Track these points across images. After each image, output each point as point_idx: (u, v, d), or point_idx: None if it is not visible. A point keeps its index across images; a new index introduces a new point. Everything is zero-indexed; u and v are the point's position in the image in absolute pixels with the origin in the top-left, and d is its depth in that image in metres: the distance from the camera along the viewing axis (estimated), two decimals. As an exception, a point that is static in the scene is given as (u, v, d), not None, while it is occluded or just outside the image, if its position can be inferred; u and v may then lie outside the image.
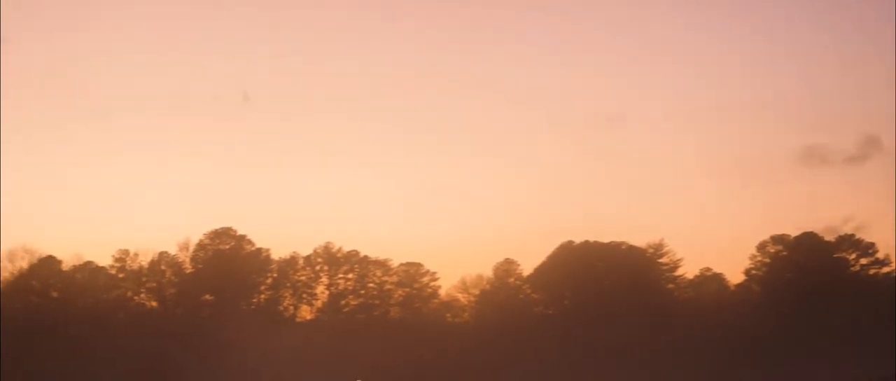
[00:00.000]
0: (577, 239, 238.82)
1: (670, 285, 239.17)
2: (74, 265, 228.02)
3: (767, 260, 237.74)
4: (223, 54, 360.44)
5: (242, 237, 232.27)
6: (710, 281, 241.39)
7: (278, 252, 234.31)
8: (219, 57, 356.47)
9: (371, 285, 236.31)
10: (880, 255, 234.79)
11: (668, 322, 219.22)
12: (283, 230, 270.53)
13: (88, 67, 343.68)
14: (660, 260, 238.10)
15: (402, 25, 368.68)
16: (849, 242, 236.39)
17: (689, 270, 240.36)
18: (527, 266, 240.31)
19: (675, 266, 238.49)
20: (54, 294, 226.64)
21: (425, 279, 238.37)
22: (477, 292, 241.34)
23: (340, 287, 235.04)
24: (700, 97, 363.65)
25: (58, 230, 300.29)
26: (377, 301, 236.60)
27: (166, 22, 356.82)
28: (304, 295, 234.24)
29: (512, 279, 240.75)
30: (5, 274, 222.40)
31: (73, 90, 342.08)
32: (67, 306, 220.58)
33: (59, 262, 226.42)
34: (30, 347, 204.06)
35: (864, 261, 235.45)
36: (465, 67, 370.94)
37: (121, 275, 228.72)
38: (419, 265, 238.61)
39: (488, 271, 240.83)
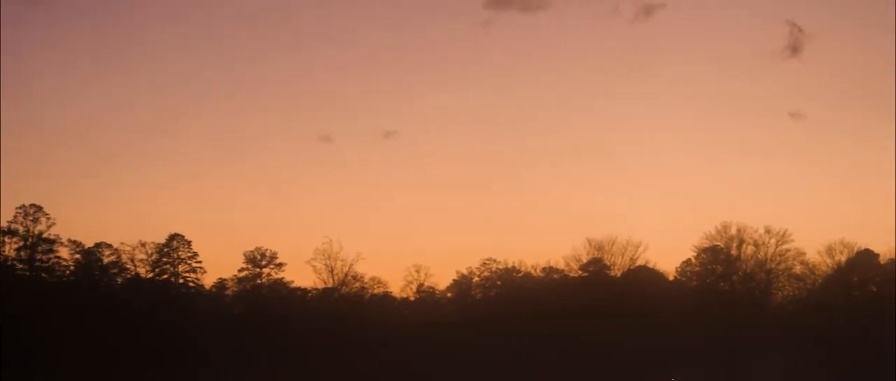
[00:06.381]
0: None
1: None
2: (890, 259, 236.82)
3: None
4: None
5: None
6: None
7: None
8: None
9: None
10: None
11: None
12: None
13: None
14: None
15: None
16: None
17: None
18: None
19: None
20: (872, 288, 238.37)
21: None
22: None
23: None
24: None
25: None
26: None
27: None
28: None
29: None
30: (824, 267, 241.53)
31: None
32: (885, 300, 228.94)
33: (876, 255, 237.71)
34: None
35: None
36: None
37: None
38: None
39: None
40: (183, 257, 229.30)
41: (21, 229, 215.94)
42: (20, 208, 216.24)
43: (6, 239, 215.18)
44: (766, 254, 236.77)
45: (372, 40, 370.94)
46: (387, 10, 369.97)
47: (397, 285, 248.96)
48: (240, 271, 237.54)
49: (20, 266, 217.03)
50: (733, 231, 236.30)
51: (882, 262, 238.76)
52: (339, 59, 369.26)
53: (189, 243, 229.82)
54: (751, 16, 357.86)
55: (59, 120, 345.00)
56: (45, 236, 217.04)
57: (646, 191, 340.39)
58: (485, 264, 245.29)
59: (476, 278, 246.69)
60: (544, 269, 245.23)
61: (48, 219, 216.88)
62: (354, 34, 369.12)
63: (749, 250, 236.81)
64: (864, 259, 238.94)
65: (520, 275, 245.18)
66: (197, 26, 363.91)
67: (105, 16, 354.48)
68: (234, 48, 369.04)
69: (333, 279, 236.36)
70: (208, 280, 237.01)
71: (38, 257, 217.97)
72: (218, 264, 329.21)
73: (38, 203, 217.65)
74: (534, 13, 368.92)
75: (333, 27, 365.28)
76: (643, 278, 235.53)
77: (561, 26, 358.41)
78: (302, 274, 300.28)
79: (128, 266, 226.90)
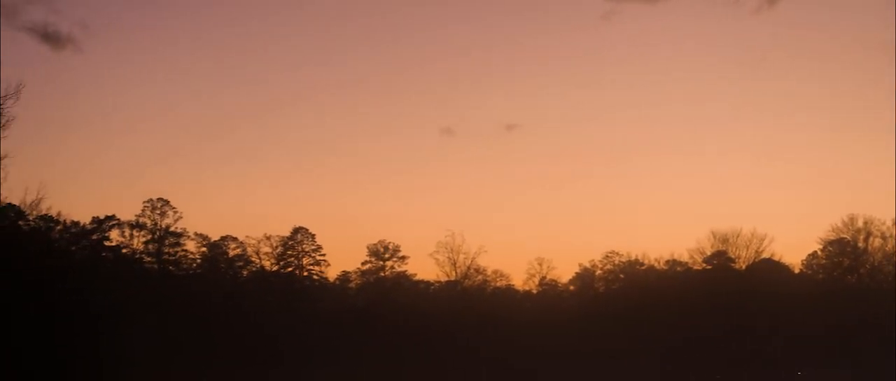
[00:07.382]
0: None
1: None
2: None
3: None
4: None
5: None
6: None
7: None
8: None
9: None
10: None
11: None
12: None
13: None
14: None
15: None
16: None
17: None
18: None
19: None
20: None
21: None
22: None
23: None
24: None
25: None
26: None
27: None
28: None
29: None
30: None
31: None
32: None
33: None
34: None
35: None
36: None
37: None
38: None
39: None
40: (307, 250, 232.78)
41: (149, 223, 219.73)
42: (148, 201, 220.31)
43: (134, 233, 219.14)
44: (893, 246, 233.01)
45: (493, 34, 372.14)
46: (507, 3, 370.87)
47: (520, 277, 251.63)
48: (363, 263, 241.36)
49: (148, 259, 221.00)
50: (860, 223, 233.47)
51: None
52: (461, 52, 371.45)
53: (313, 236, 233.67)
54: (877, 3, 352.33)
55: (185, 114, 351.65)
56: (172, 229, 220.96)
57: (771, 183, 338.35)
58: (607, 256, 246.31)
59: (599, 271, 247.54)
60: (668, 262, 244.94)
61: (175, 212, 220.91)
62: (475, 27, 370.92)
63: (876, 242, 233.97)
64: None
65: (643, 268, 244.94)
66: (320, 21, 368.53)
67: (228, 10, 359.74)
68: (357, 42, 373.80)
69: (456, 272, 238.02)
70: (332, 273, 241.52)
71: (166, 251, 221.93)
72: (341, 257, 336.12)
73: (165, 197, 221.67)
74: (654, 4, 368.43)
75: (454, 21, 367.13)
76: (768, 271, 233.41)
77: (682, 17, 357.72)
78: (425, 267, 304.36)
79: (253, 259, 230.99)
